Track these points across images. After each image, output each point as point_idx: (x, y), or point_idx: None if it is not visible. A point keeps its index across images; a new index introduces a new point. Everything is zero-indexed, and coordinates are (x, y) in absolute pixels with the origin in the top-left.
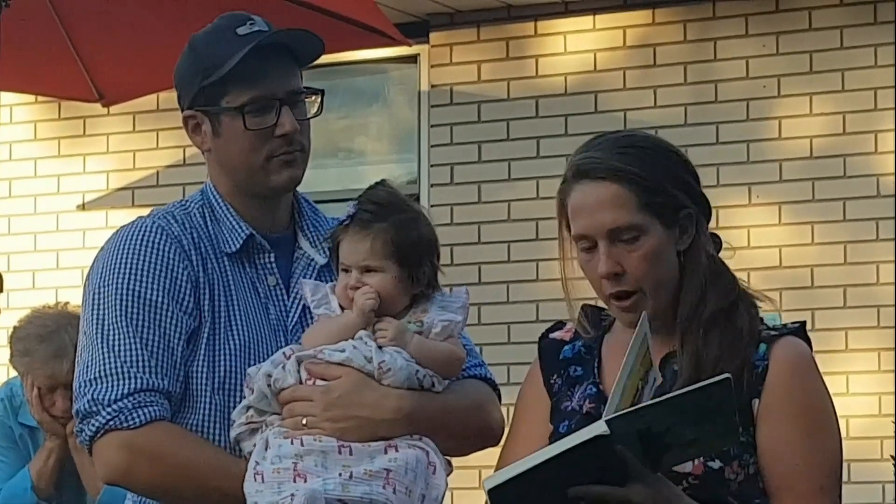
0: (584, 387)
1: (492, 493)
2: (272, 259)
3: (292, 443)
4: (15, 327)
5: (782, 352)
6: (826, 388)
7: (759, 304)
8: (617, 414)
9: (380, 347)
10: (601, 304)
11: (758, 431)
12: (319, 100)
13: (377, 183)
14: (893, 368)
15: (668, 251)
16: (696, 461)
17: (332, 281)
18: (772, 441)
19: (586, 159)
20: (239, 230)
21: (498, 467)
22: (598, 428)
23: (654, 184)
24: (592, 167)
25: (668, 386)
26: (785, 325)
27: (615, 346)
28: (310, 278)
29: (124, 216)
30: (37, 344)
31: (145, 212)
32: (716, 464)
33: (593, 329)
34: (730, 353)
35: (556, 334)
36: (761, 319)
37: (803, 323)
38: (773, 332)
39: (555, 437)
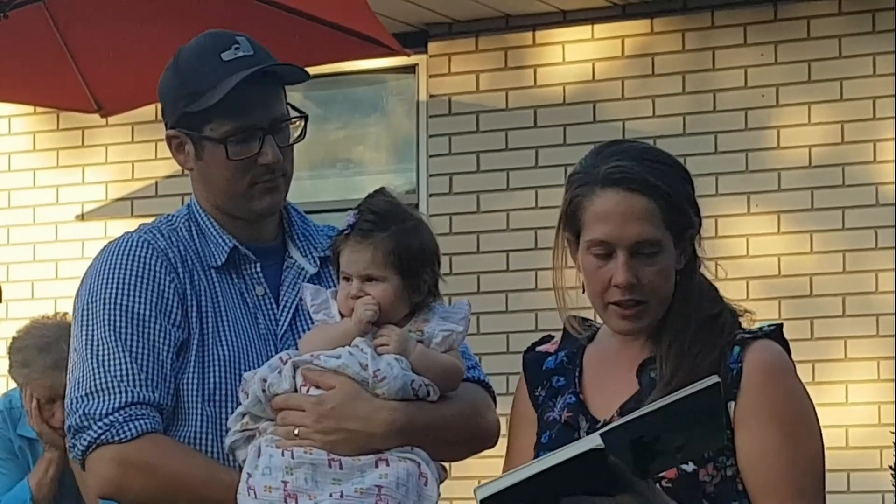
0: (565, 396)
1: (483, 502)
2: (258, 269)
3: (283, 454)
4: (14, 338)
5: (755, 354)
6: (804, 390)
7: (749, 313)
8: (612, 426)
9: (379, 355)
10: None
11: (736, 435)
12: (303, 124)
13: (377, 191)
14: (893, 377)
15: (673, 268)
16: None
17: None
18: (749, 445)
19: (617, 168)
20: (223, 243)
21: None
22: (593, 441)
23: (677, 202)
24: (625, 177)
25: (647, 393)
26: (760, 328)
27: (597, 356)
28: None
29: (123, 226)
30: (36, 355)
31: (144, 222)
32: (689, 467)
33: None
34: (708, 350)
35: (543, 347)
36: (740, 324)
37: (780, 325)
38: (747, 336)
39: (537, 447)
